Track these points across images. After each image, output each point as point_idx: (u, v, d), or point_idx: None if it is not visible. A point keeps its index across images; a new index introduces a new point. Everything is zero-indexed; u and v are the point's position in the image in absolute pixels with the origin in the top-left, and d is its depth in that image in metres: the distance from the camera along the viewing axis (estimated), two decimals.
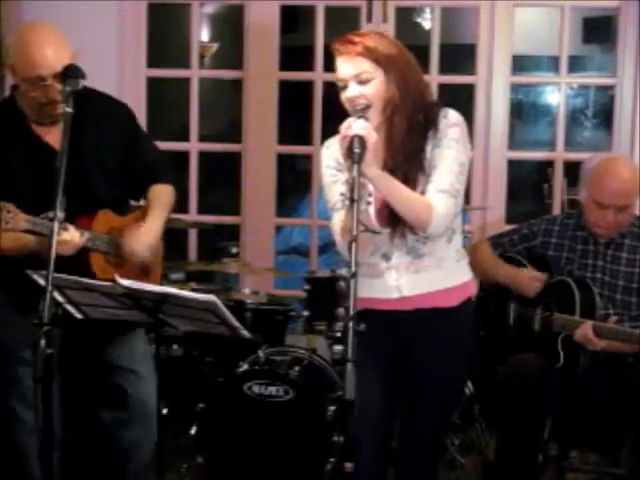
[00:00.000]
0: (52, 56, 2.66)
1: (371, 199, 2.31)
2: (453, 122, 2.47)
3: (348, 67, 2.39)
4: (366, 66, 2.38)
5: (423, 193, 2.42)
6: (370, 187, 2.30)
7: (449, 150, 2.45)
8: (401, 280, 2.50)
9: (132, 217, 3.00)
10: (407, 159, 2.43)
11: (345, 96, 2.41)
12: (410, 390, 2.57)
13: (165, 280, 3.26)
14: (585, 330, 3.09)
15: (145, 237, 2.90)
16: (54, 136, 2.76)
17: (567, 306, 3.22)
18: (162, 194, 3.03)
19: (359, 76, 2.38)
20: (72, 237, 2.66)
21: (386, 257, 2.49)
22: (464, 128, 2.50)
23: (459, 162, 2.46)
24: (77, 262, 2.68)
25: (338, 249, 2.51)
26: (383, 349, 2.49)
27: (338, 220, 2.47)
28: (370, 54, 2.38)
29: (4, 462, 2.94)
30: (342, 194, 2.33)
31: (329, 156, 2.56)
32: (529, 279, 3.34)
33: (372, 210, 2.35)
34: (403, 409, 2.60)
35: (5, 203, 2.57)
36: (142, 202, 3.09)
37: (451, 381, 2.60)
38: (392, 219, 2.44)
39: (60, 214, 2.36)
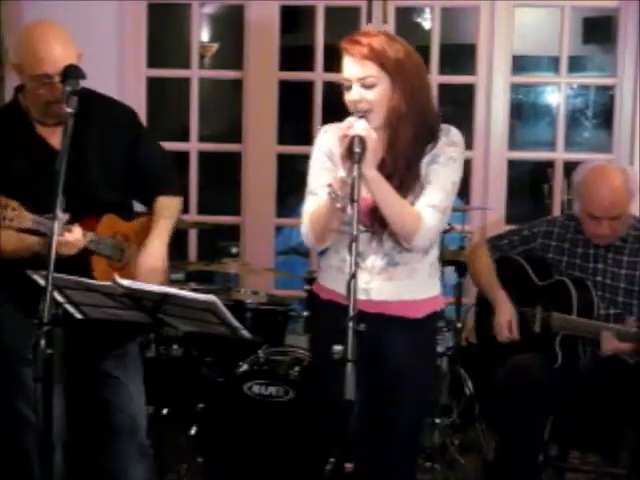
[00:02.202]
0: (60, 54, 2.66)
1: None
2: (453, 141, 2.48)
3: (354, 69, 2.38)
4: (372, 71, 2.37)
5: (413, 204, 2.42)
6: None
7: (445, 168, 2.45)
8: (371, 284, 2.50)
9: (138, 222, 2.99)
10: (408, 167, 2.43)
11: (348, 97, 2.41)
12: (381, 387, 2.55)
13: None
14: (609, 339, 3.07)
15: (153, 262, 2.90)
16: (58, 138, 2.75)
17: (565, 306, 3.22)
18: (167, 207, 3.01)
19: (363, 80, 2.37)
20: (75, 238, 2.66)
21: (361, 257, 2.47)
22: (462, 148, 2.51)
23: (452, 181, 2.47)
24: (78, 264, 2.68)
25: (302, 233, 2.52)
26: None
27: (310, 206, 2.49)
28: (377, 58, 2.36)
29: (9, 463, 2.94)
30: (330, 185, 2.34)
31: (324, 142, 2.55)
32: (504, 324, 3.32)
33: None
34: (378, 406, 2.58)
35: (10, 200, 2.57)
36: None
37: (419, 380, 2.56)
38: (375, 222, 2.44)
39: (65, 215, 2.36)
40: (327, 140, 2.54)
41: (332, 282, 2.52)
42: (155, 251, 2.93)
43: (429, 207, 2.41)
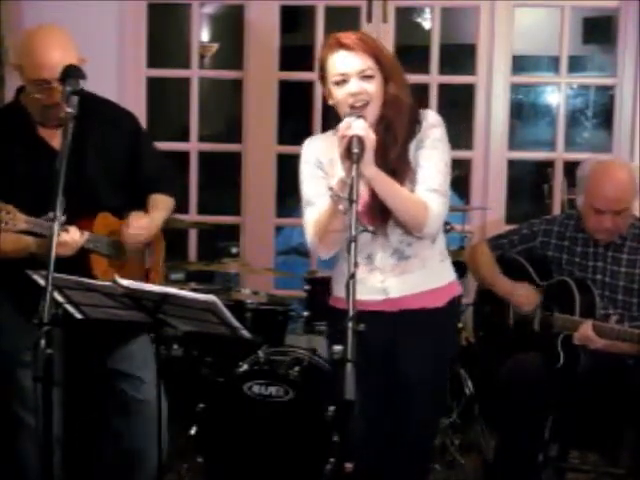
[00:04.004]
0: (58, 60, 2.65)
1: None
2: (434, 123, 2.51)
3: (354, 62, 2.40)
4: (370, 63, 2.41)
5: (412, 191, 2.44)
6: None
7: (434, 150, 2.47)
8: (386, 282, 2.51)
9: None
10: (399, 157, 2.45)
11: (346, 91, 2.41)
12: (397, 390, 2.56)
13: (165, 280, 3.26)
14: (585, 330, 3.09)
15: (141, 221, 2.90)
16: (59, 139, 2.75)
17: (567, 306, 3.22)
18: (161, 200, 3.02)
19: (364, 72, 2.40)
20: (72, 238, 2.66)
21: (370, 258, 2.50)
22: (444, 129, 2.53)
23: (445, 162, 2.49)
24: (77, 264, 2.68)
25: (309, 245, 2.53)
26: (370, 349, 2.42)
27: (311, 216, 2.49)
28: (372, 51, 2.41)
29: (6, 466, 2.93)
30: (331, 188, 2.35)
31: (310, 152, 2.57)
32: (523, 298, 3.33)
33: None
34: (392, 409, 2.59)
35: (4, 204, 2.58)
36: None
37: (436, 381, 2.59)
38: (376, 218, 2.45)
39: (61, 215, 2.36)
40: (313, 150, 2.57)
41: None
42: (146, 217, 2.92)
43: (430, 192, 2.43)
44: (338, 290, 2.60)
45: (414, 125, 2.49)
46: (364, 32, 2.57)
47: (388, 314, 2.49)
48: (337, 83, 2.43)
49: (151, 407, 2.93)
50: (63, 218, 2.35)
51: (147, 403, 2.95)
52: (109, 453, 3.08)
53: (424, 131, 2.48)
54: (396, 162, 2.44)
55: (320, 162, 2.52)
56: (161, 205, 3.01)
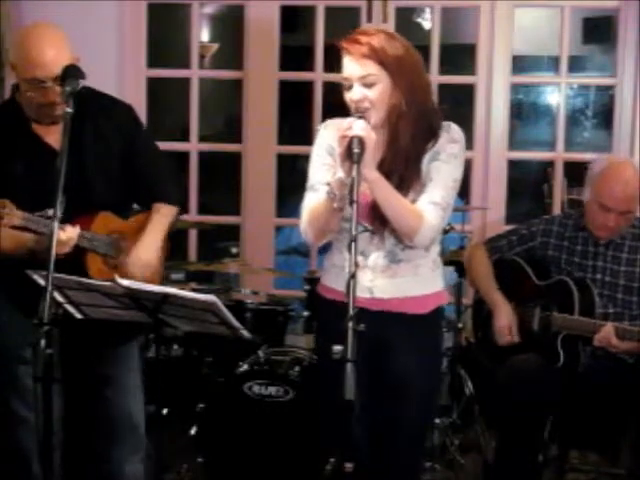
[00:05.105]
0: (51, 59, 2.64)
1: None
2: (454, 138, 2.47)
3: (354, 68, 2.37)
4: (372, 69, 2.36)
5: (414, 202, 2.42)
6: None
7: (447, 165, 2.44)
8: (375, 282, 2.50)
9: (134, 220, 2.99)
10: (407, 164, 2.43)
11: (349, 96, 2.40)
12: (382, 389, 2.54)
13: (165, 280, 3.26)
14: (607, 333, 3.08)
15: (144, 256, 2.89)
16: (55, 136, 2.75)
17: (566, 306, 3.22)
18: (163, 209, 3.00)
19: (364, 79, 2.37)
20: (68, 237, 2.66)
21: (364, 255, 2.48)
22: (463, 145, 2.50)
23: (454, 178, 2.46)
24: (73, 263, 2.67)
25: (300, 228, 2.52)
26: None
27: (309, 201, 2.49)
28: (377, 56, 2.36)
29: (5, 462, 2.93)
30: (328, 184, 2.35)
31: (325, 137, 2.54)
32: (504, 328, 3.32)
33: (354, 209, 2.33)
34: (378, 408, 2.56)
35: (0, 199, 2.57)
36: None
37: (419, 380, 2.54)
38: (375, 220, 2.44)
39: (59, 214, 2.35)
40: (327, 136, 2.53)
41: (336, 281, 2.50)
42: (148, 245, 2.92)
43: (430, 204, 2.41)
44: (326, 279, 2.61)
45: (426, 133, 2.44)
46: (377, 32, 2.43)
47: (372, 312, 2.47)
48: (345, 87, 2.41)
49: (132, 419, 2.94)
50: (58, 213, 2.34)
51: (128, 415, 2.95)
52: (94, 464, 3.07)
53: (442, 144, 2.45)
54: (402, 172, 2.42)
55: (332, 148, 2.48)
56: (163, 212, 2.99)
